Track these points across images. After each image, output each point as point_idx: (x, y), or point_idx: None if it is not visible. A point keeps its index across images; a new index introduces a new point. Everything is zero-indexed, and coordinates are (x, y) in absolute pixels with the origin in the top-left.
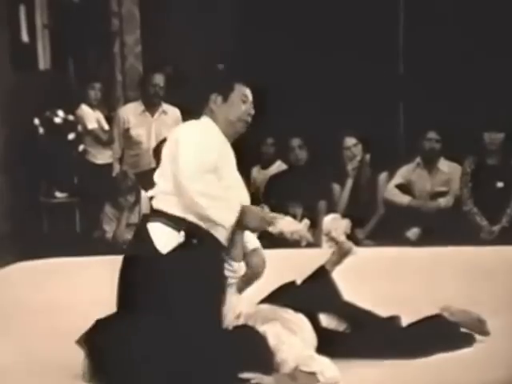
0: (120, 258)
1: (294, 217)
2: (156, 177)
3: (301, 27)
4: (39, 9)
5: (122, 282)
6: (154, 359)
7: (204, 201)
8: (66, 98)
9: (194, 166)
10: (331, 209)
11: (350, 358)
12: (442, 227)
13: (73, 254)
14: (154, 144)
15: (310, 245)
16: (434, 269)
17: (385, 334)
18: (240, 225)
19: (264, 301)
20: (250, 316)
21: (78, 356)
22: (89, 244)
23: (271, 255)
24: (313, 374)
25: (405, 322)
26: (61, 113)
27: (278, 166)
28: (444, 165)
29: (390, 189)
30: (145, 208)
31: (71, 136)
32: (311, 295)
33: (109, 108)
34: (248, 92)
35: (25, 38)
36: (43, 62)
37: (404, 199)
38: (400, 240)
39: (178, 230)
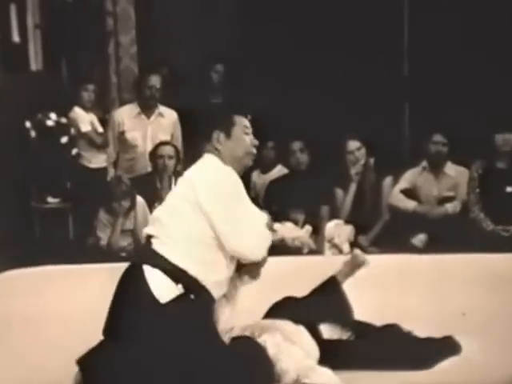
0: (115, 265)
1: (296, 223)
2: (162, 216)
3: (303, 27)
4: (31, 8)
5: (112, 311)
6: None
7: (251, 242)
8: (58, 100)
9: (226, 207)
10: (334, 214)
11: (353, 368)
12: (450, 234)
13: (66, 261)
14: (149, 147)
15: (312, 252)
16: (441, 277)
17: (386, 344)
18: None
19: (265, 317)
20: (246, 327)
21: (70, 370)
22: (82, 251)
23: (271, 263)
24: None
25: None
26: (53, 115)
27: (279, 171)
28: (451, 169)
29: (394, 194)
30: (140, 214)
31: (64, 139)
32: (320, 307)
33: (103, 110)
34: (248, 122)
35: (16, 38)
36: (35, 63)
37: (409, 204)
38: (405, 247)
39: (177, 283)
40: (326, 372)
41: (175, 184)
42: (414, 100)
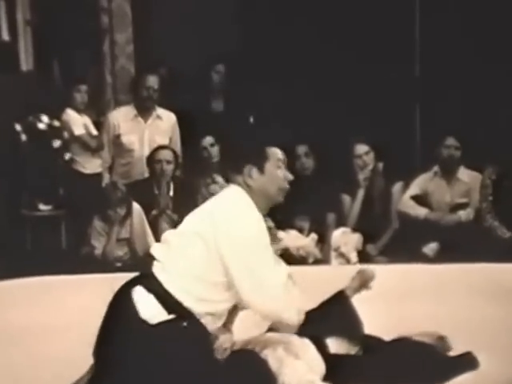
0: (110, 276)
1: (301, 231)
2: (172, 242)
3: (309, 25)
4: (21, 4)
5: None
6: None
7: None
8: (50, 102)
9: (248, 254)
10: (341, 222)
11: None
12: (463, 242)
13: (58, 272)
14: (147, 152)
15: (317, 261)
16: (453, 288)
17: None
18: None
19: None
20: (249, 341)
21: (63, 383)
22: (76, 261)
23: None
24: None
25: None
26: (45, 118)
27: None
28: (464, 174)
29: (405, 200)
30: (137, 222)
31: (56, 143)
32: (327, 320)
33: (98, 113)
34: (281, 154)
35: (5, 36)
36: (25, 62)
37: (420, 212)
38: (416, 256)
39: (169, 313)
40: None
41: (173, 190)
42: (426, 101)
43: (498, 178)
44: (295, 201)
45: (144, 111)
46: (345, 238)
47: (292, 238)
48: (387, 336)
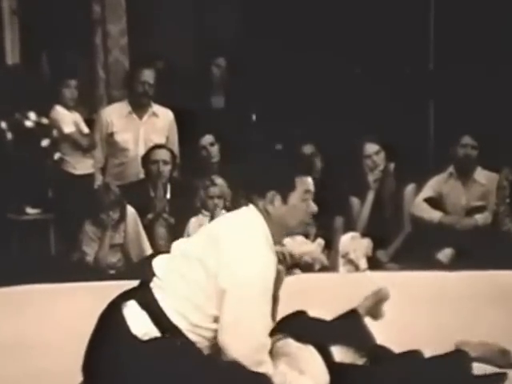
0: (103, 284)
1: (306, 236)
2: (175, 262)
3: (317, 15)
4: None
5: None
6: None
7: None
8: (38, 98)
9: (246, 296)
10: (349, 226)
11: None
12: (480, 248)
13: (47, 280)
14: (142, 151)
15: (324, 268)
16: (469, 296)
17: (406, 371)
18: None
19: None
20: None
21: None
22: (66, 268)
23: None
24: None
25: None
26: (32, 115)
27: None
28: (481, 175)
29: (417, 203)
30: (131, 227)
31: (45, 142)
32: (334, 328)
33: (89, 109)
34: (311, 185)
35: None
36: (11, 55)
37: (434, 215)
38: (430, 263)
39: (162, 333)
40: None
41: (170, 192)
42: (440, 97)
43: None
44: None
45: (139, 108)
46: (353, 244)
47: (297, 244)
48: (397, 347)
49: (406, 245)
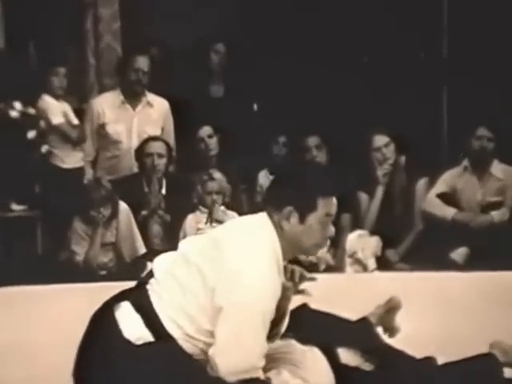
0: (93, 286)
1: None
2: (174, 266)
3: (322, 1)
4: None
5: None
6: None
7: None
8: (24, 87)
9: (243, 318)
10: (357, 224)
11: None
12: (496, 247)
13: (33, 281)
14: (135, 144)
15: (330, 268)
16: (484, 298)
17: (418, 376)
18: None
19: None
20: None
21: None
22: (54, 268)
23: None
24: None
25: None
26: (18, 105)
27: None
28: (498, 169)
29: (430, 199)
30: (124, 224)
31: (31, 134)
32: (342, 328)
33: (79, 99)
34: (334, 208)
35: None
36: None
37: (448, 212)
38: (443, 263)
39: (156, 339)
40: None
41: (166, 187)
42: (454, 86)
43: None
44: None
45: (132, 97)
46: (361, 242)
47: None
48: (410, 351)
49: (417, 244)
